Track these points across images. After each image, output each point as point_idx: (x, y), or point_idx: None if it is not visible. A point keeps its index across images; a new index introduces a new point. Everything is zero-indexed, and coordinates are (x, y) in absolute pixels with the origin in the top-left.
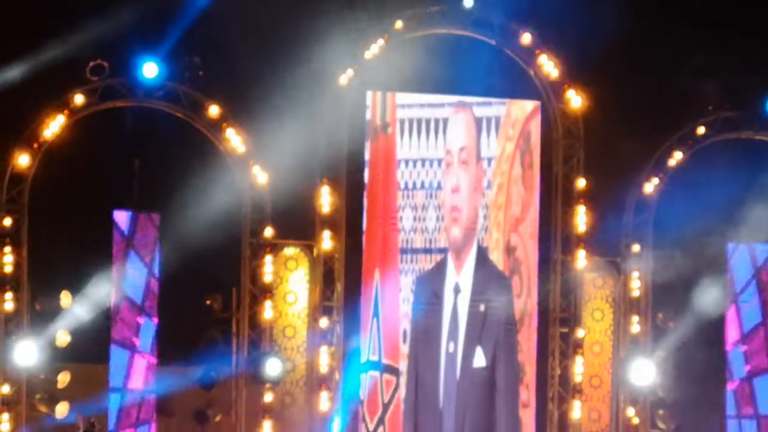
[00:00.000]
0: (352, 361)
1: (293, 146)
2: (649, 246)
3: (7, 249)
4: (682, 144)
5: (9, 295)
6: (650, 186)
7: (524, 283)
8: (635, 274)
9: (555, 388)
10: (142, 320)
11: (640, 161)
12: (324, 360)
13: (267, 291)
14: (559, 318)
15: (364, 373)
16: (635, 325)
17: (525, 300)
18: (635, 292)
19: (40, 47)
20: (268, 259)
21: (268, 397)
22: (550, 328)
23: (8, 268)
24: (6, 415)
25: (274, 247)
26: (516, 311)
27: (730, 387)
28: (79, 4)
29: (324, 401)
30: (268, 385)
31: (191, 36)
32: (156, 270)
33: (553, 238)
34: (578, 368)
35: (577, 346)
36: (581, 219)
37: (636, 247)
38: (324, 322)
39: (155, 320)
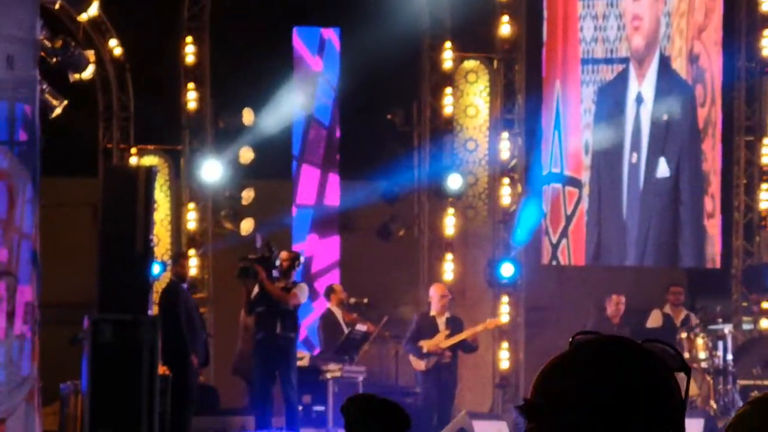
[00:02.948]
0: (534, 173)
1: None
2: None
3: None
4: None
5: (193, 112)
6: None
7: (708, 91)
8: None
9: (740, 197)
10: (323, 136)
11: None
12: (506, 173)
13: (448, 104)
14: (744, 126)
15: (547, 186)
16: None
17: (709, 109)
18: None
19: None
20: (448, 71)
21: (450, 211)
22: (734, 137)
23: (191, 85)
24: (193, 233)
25: (454, 61)
26: (700, 120)
27: None
28: None
29: (506, 214)
30: (450, 199)
31: None
32: (337, 85)
33: (737, 45)
34: (765, 176)
35: (763, 153)
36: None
37: None
38: (506, 135)
39: (337, 135)
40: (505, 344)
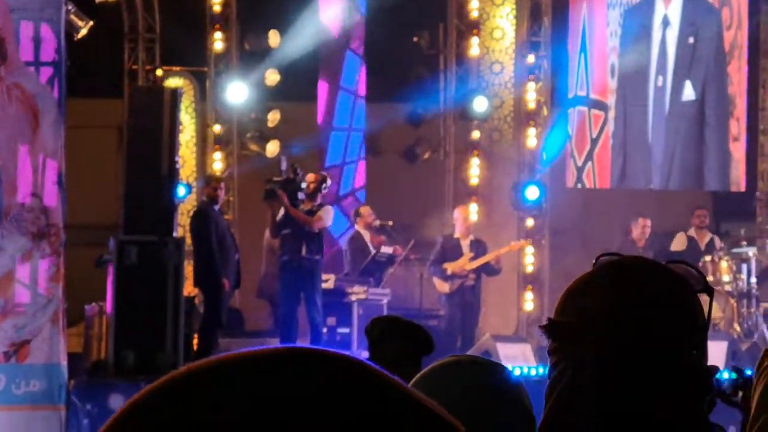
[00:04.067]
0: (559, 96)
1: None
2: None
3: None
4: None
5: (218, 35)
6: None
7: (734, 14)
8: None
9: (766, 121)
10: (348, 57)
11: None
12: (531, 96)
13: (474, 27)
14: None
15: (572, 109)
16: None
17: (735, 32)
18: None
19: None
20: None
21: (476, 134)
22: (760, 60)
23: (217, 8)
24: (218, 154)
25: None
26: (726, 43)
27: None
28: None
29: (532, 137)
30: (476, 122)
31: None
32: (363, 7)
33: None
34: None
35: None
36: None
37: None
38: (531, 58)
39: (363, 57)
40: (529, 267)
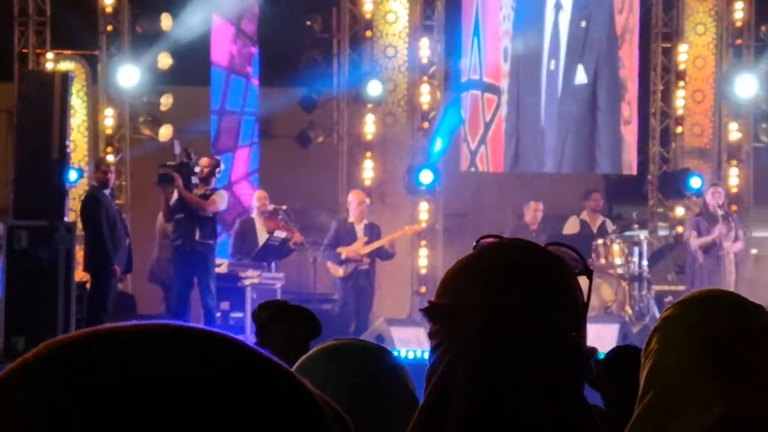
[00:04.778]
0: (453, 80)
1: None
2: None
3: None
4: None
5: (110, 18)
6: None
7: None
8: None
9: (657, 104)
10: (241, 42)
11: None
12: (425, 80)
13: (367, 10)
14: (661, 33)
15: (466, 93)
16: (738, 39)
17: (627, 15)
18: (739, 5)
19: None
20: None
21: (369, 118)
22: (652, 44)
23: None
24: (110, 138)
25: None
26: (617, 27)
27: None
28: None
29: (425, 121)
30: (369, 106)
31: None
32: None
33: None
34: (681, 84)
35: (680, 61)
36: None
37: None
38: (425, 42)
39: (255, 41)
40: (423, 251)
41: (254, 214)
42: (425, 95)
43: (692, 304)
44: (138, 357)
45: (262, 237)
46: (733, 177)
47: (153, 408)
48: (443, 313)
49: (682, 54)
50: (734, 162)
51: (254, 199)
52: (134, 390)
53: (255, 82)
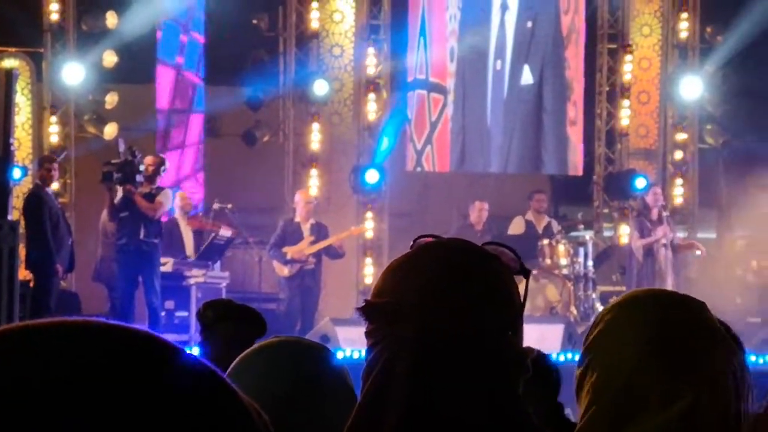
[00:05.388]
0: (399, 80)
1: None
2: None
3: None
4: None
5: (55, 16)
6: None
7: None
8: None
9: (603, 105)
10: (187, 40)
11: None
12: (371, 79)
13: (314, 9)
14: (607, 34)
15: (412, 92)
16: (684, 40)
17: (572, 16)
18: (684, 6)
19: None
20: None
21: (315, 117)
22: (597, 45)
23: None
24: (55, 137)
25: None
26: (563, 27)
27: None
28: None
29: (371, 121)
30: (315, 105)
31: None
32: None
33: None
34: (626, 84)
35: (625, 62)
36: None
37: None
38: (371, 41)
39: (201, 40)
40: (369, 251)
41: (177, 215)
42: (371, 95)
43: (631, 305)
44: (41, 354)
45: (187, 236)
46: (678, 179)
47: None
48: (380, 312)
49: (628, 55)
50: (679, 163)
51: (177, 198)
52: (31, 388)
53: (201, 80)
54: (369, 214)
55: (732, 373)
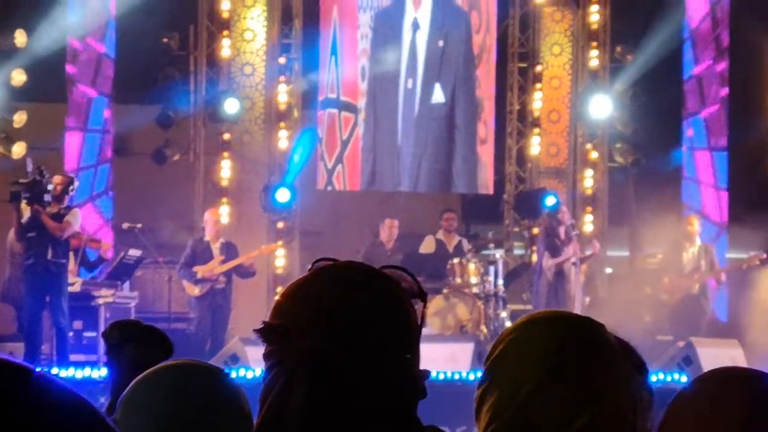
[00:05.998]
0: (310, 98)
1: None
2: None
3: None
4: None
5: None
6: None
7: (483, 18)
8: (594, 8)
9: (513, 124)
10: (97, 59)
11: None
12: (282, 98)
13: (225, 28)
14: (517, 53)
15: (323, 111)
16: (594, 59)
17: (483, 35)
18: (594, 26)
19: None
20: None
21: (226, 136)
22: (508, 64)
23: None
24: None
25: None
26: (475, 46)
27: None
28: None
29: (282, 139)
30: (226, 124)
31: None
32: (112, 7)
33: None
34: (536, 103)
35: (536, 81)
36: None
37: None
38: (282, 60)
39: (111, 58)
40: (280, 270)
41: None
42: (282, 113)
43: (532, 326)
44: None
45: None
46: (588, 196)
47: None
48: (276, 334)
49: (538, 74)
50: (589, 181)
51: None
52: None
53: (111, 98)
54: (280, 233)
55: (629, 392)
